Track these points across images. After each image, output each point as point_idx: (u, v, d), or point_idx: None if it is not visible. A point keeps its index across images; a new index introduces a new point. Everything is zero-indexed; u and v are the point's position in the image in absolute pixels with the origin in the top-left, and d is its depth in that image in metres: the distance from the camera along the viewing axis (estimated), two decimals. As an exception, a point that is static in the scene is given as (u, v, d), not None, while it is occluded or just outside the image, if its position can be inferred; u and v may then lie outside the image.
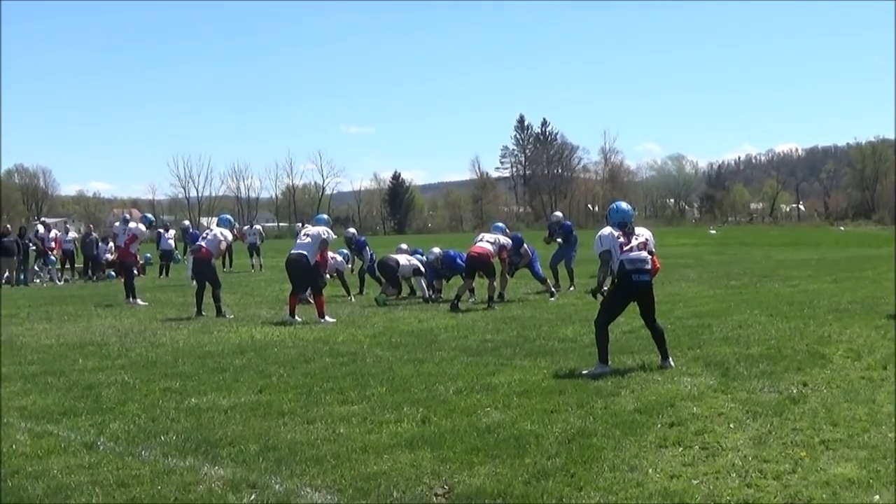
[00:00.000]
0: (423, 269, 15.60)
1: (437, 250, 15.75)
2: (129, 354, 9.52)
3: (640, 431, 5.56)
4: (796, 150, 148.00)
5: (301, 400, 6.81)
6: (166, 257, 24.44)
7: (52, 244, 25.41)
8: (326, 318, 12.22)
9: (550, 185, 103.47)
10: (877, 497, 4.28)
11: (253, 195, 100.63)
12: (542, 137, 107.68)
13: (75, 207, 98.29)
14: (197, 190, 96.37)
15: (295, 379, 7.72)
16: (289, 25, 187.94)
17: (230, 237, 14.59)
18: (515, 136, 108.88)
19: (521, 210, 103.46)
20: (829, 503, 4.23)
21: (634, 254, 7.80)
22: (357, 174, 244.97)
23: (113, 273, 23.93)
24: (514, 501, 4.37)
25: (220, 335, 11.04)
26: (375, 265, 16.52)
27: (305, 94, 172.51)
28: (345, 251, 17.55)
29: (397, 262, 15.50)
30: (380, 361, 8.59)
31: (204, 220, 77.35)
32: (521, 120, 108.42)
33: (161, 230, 24.77)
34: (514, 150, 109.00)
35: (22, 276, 23.50)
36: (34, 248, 24.65)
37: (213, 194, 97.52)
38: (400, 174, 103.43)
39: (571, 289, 16.30)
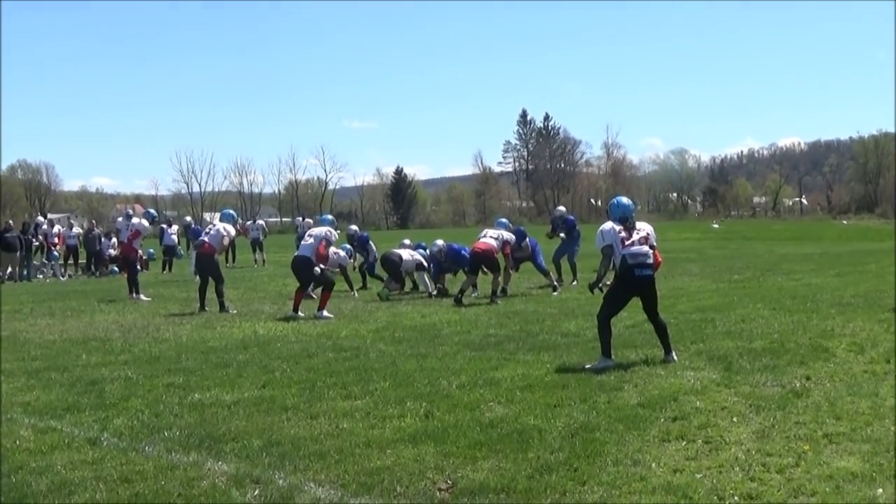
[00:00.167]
0: (426, 264, 15.61)
1: (440, 242, 15.75)
2: (132, 350, 9.53)
3: (643, 426, 5.56)
4: (799, 143, 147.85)
5: (304, 395, 6.82)
6: (169, 253, 24.44)
7: (56, 239, 25.46)
8: (324, 312, 12.23)
9: (553, 179, 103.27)
10: (879, 490, 4.28)
11: (256, 190, 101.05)
12: (544, 132, 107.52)
13: (78, 203, 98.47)
14: (200, 185, 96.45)
15: (298, 374, 7.72)
16: (292, 20, 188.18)
17: (233, 232, 14.62)
18: (518, 130, 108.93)
19: (524, 205, 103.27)
20: (832, 497, 4.23)
21: (636, 248, 7.81)
22: (360, 169, 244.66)
23: (116, 268, 23.95)
24: (518, 496, 4.37)
25: (224, 330, 11.05)
26: (378, 262, 16.52)
27: (308, 89, 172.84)
28: (347, 246, 17.56)
29: (400, 257, 15.51)
30: (383, 356, 8.60)
31: (207, 216, 77.39)
32: (524, 114, 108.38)
33: (164, 225, 24.92)
34: (516, 144, 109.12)
35: (25, 272, 23.56)
36: (37, 243, 24.68)
37: (216, 189, 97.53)
38: (402, 169, 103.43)
39: (574, 283, 16.30)
